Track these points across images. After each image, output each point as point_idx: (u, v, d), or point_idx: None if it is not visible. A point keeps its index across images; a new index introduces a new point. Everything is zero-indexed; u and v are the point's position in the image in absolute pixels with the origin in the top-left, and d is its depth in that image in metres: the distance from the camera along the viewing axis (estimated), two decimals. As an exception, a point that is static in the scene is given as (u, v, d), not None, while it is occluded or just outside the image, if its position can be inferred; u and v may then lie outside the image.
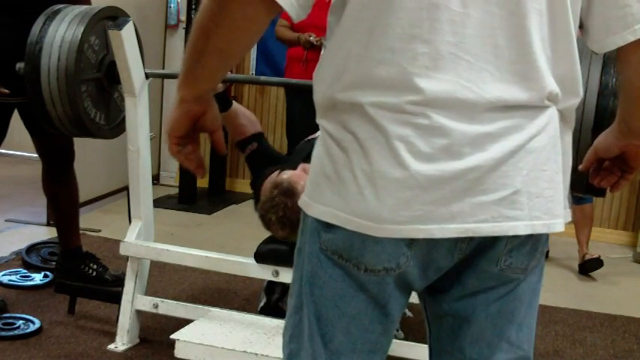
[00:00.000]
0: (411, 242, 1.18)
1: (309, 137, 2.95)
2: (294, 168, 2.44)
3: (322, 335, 1.26)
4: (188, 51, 1.20)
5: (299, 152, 2.81)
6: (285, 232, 2.43)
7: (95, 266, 3.36)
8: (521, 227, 1.18)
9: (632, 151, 1.38)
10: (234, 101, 2.75)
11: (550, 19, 1.17)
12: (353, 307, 1.23)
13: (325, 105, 1.21)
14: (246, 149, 2.77)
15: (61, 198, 3.33)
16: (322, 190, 1.20)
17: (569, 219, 1.27)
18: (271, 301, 2.97)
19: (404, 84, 1.13)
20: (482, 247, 1.22)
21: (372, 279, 1.21)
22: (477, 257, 1.23)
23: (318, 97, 1.23)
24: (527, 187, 1.17)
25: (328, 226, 1.20)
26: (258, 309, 2.98)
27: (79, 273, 3.30)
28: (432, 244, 1.19)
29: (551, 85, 1.18)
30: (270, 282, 2.92)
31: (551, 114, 1.20)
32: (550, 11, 1.17)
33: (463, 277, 1.26)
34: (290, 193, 2.36)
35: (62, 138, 3.12)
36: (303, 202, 1.25)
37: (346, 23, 1.17)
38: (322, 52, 1.30)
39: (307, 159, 2.66)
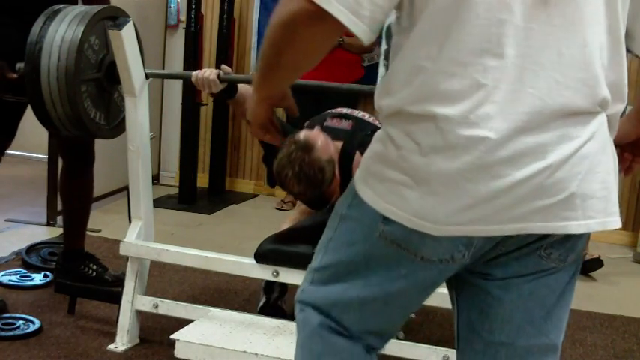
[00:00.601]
0: (468, 240, 1.30)
1: (325, 113, 2.91)
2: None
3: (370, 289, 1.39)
4: (263, 62, 1.31)
5: (314, 122, 2.78)
6: (300, 187, 2.45)
7: (95, 266, 3.36)
8: (574, 227, 1.28)
9: None
10: (239, 86, 2.75)
11: (607, 28, 1.25)
12: (404, 277, 1.36)
13: (391, 113, 1.30)
14: None
15: (75, 198, 3.34)
16: (383, 186, 1.30)
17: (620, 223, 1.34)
18: (270, 300, 2.97)
19: (477, 95, 1.22)
20: (532, 239, 1.32)
21: (427, 265, 1.34)
22: (524, 247, 1.33)
23: (384, 106, 1.31)
24: (582, 189, 1.26)
25: (387, 220, 1.30)
26: (258, 308, 2.98)
27: (79, 273, 3.30)
28: (486, 239, 1.30)
29: (605, 91, 1.26)
30: (268, 281, 2.92)
31: (602, 119, 1.28)
32: (607, 20, 1.25)
33: (507, 262, 1.36)
34: (308, 148, 2.40)
35: (82, 139, 3.13)
36: (364, 192, 1.34)
37: (415, 41, 1.25)
38: (380, 70, 1.43)
39: (322, 126, 2.62)
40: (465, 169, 1.23)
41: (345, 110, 2.90)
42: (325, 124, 2.75)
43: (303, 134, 2.48)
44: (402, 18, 1.27)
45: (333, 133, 2.65)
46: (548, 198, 1.24)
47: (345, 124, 2.75)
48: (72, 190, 3.32)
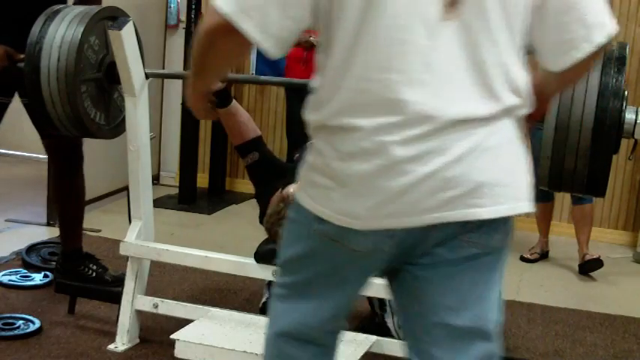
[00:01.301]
0: (390, 232, 1.45)
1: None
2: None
3: (317, 278, 1.57)
4: (193, 64, 1.52)
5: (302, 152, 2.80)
6: None
7: (95, 267, 3.36)
8: (484, 213, 1.42)
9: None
10: (234, 99, 2.74)
11: (503, 48, 1.41)
12: (341, 266, 1.54)
13: (316, 127, 1.48)
14: (246, 157, 2.77)
15: (67, 198, 3.34)
16: (315, 190, 1.48)
17: (533, 209, 1.49)
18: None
19: (384, 107, 1.38)
20: (452, 229, 1.45)
21: (359, 254, 1.50)
22: (447, 236, 1.47)
23: (311, 121, 1.49)
24: (487, 179, 1.41)
25: (320, 219, 1.47)
26: (260, 305, 2.99)
27: (79, 274, 3.30)
28: (407, 231, 1.45)
29: (508, 99, 1.42)
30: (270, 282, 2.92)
31: (506, 122, 1.44)
32: (501, 41, 1.40)
33: (434, 250, 1.49)
34: None
35: (70, 139, 3.13)
36: (302, 198, 1.52)
37: (333, 61, 1.42)
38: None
39: None
40: (376, 170, 1.40)
41: None
42: None
43: (292, 190, 2.46)
44: (322, 39, 1.44)
45: None
46: (454, 189, 1.39)
47: None
48: (64, 191, 3.32)
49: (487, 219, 1.42)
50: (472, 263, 1.50)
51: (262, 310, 2.94)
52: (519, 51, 1.45)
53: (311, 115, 1.49)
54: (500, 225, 1.47)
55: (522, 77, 1.46)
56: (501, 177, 1.43)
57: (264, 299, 3.01)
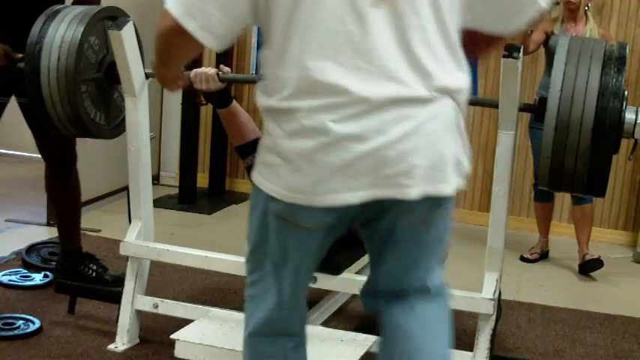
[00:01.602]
0: (335, 207, 1.57)
1: None
2: None
3: (275, 265, 1.71)
4: (155, 56, 1.71)
5: None
6: None
7: (95, 267, 3.36)
8: (414, 192, 1.55)
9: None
10: (234, 100, 2.74)
11: (435, 34, 1.54)
12: (295, 248, 1.68)
13: (266, 110, 1.61)
14: (247, 158, 2.77)
15: (63, 199, 3.33)
16: (267, 170, 1.62)
17: (463, 187, 1.65)
18: None
19: (322, 91, 1.52)
20: (389, 205, 1.60)
21: (308, 232, 1.65)
22: (387, 211, 1.64)
23: (262, 106, 1.63)
24: (421, 161, 1.54)
25: (273, 198, 1.61)
26: None
27: (79, 273, 3.30)
28: (351, 206, 1.57)
29: (441, 81, 1.55)
30: None
31: (444, 103, 1.57)
32: (433, 28, 1.53)
33: (379, 223, 1.67)
34: None
35: (64, 139, 3.13)
36: (256, 179, 1.66)
37: (273, 53, 1.57)
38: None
39: None
40: (318, 146, 1.53)
41: None
42: None
43: None
44: (264, 34, 1.60)
45: None
46: (390, 167, 1.53)
47: None
48: (59, 191, 3.32)
49: (416, 199, 1.56)
50: (418, 239, 1.69)
51: None
52: (451, 32, 1.58)
53: (260, 100, 1.62)
54: (432, 204, 1.62)
55: (454, 58, 1.59)
56: (436, 161, 1.56)
57: None
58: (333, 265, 2.55)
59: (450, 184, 1.61)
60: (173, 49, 1.65)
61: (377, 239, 1.72)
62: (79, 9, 2.78)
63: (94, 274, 3.34)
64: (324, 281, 2.53)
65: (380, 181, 1.54)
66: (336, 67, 1.50)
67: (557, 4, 4.09)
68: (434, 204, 1.62)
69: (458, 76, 1.60)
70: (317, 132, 1.52)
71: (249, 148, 2.76)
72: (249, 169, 2.80)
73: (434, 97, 1.55)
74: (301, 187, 1.57)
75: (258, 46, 5.32)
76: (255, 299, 1.80)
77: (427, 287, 1.72)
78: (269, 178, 1.62)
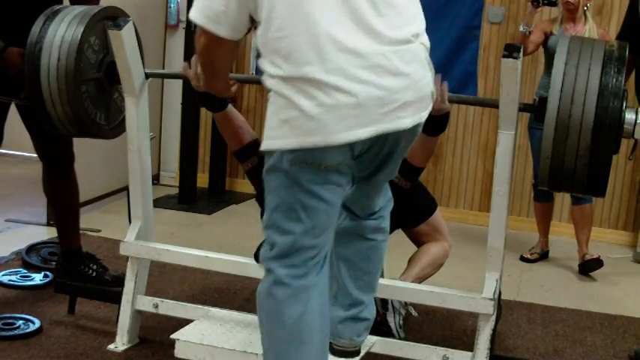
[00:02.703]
0: (350, 144, 1.90)
1: None
2: None
3: (305, 209, 1.95)
4: (203, 69, 2.27)
5: None
6: None
7: (95, 267, 3.36)
8: (407, 122, 1.94)
9: None
10: (229, 104, 2.74)
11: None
12: (321, 193, 1.95)
13: (277, 83, 1.90)
14: (246, 162, 2.77)
15: (61, 199, 3.34)
16: (282, 130, 1.89)
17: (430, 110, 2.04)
18: None
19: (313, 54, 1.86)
20: (389, 140, 1.99)
21: (330, 170, 1.93)
22: (392, 147, 2.03)
23: (270, 84, 1.92)
24: (409, 98, 1.92)
25: (292, 150, 1.89)
26: None
27: (79, 273, 3.31)
28: (361, 142, 1.92)
29: (411, 28, 1.95)
30: None
31: (417, 45, 1.97)
32: None
33: (372, 161, 2.05)
34: None
35: (61, 139, 3.13)
36: (268, 144, 1.92)
37: (265, 33, 1.92)
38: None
39: None
40: (330, 95, 1.85)
41: None
42: None
43: None
44: (258, 24, 1.94)
45: None
46: (389, 105, 1.90)
47: None
48: (58, 192, 3.33)
49: (410, 127, 1.95)
50: (399, 156, 2.11)
51: None
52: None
53: (271, 72, 1.91)
54: (418, 127, 2.03)
55: (416, 14, 1.99)
56: (418, 96, 1.95)
57: None
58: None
59: (427, 112, 2.01)
60: (215, 59, 2.07)
61: (371, 164, 2.06)
62: (79, 9, 2.78)
63: (94, 273, 3.34)
64: (324, 281, 2.53)
65: (384, 118, 1.89)
66: (320, 32, 1.86)
67: (554, 4, 4.09)
68: (414, 129, 2.01)
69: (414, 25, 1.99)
70: (327, 86, 1.84)
71: (248, 152, 2.76)
72: (249, 173, 2.80)
73: (412, 41, 1.94)
74: (320, 130, 1.85)
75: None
76: (280, 231, 1.97)
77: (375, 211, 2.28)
78: (284, 134, 1.88)
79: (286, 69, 1.87)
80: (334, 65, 1.85)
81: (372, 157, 2.03)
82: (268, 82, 1.93)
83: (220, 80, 2.24)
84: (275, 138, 1.91)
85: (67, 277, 3.25)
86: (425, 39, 2.01)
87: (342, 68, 1.85)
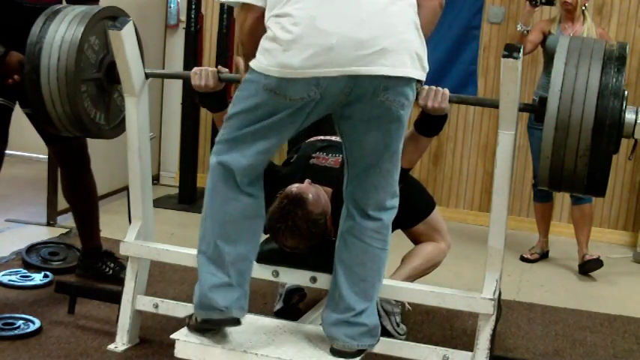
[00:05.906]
0: (317, 80, 2.07)
1: (311, 139, 2.95)
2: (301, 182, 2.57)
3: (257, 125, 2.20)
4: (244, 52, 2.38)
5: (300, 159, 2.81)
6: (294, 241, 2.47)
7: (112, 265, 3.46)
8: (388, 70, 2.05)
9: None
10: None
11: None
12: (280, 117, 2.16)
13: (268, 19, 2.14)
14: None
15: (81, 200, 3.43)
16: (264, 55, 2.12)
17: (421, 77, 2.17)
18: (289, 306, 2.99)
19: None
20: (366, 86, 2.08)
21: (293, 103, 2.12)
22: (365, 94, 2.11)
23: (266, 18, 2.17)
24: (391, 45, 2.05)
25: (267, 75, 2.12)
26: (275, 310, 3.04)
27: (97, 270, 3.42)
28: (331, 80, 2.07)
29: None
30: (288, 292, 2.95)
31: (403, 4, 2.13)
32: None
33: (361, 107, 2.14)
34: (299, 202, 2.42)
35: (74, 141, 3.15)
36: (253, 62, 2.17)
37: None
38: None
39: (309, 172, 2.68)
40: (307, 32, 2.04)
41: (324, 138, 2.92)
42: (311, 161, 2.78)
43: (295, 187, 2.50)
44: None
45: (322, 175, 2.67)
46: (366, 49, 2.03)
47: (332, 161, 2.75)
48: (77, 194, 3.40)
49: (391, 76, 2.05)
50: (391, 123, 2.16)
51: (277, 314, 2.95)
52: None
53: (268, 15, 2.15)
54: (404, 86, 2.10)
55: None
56: (402, 47, 2.07)
57: (278, 307, 3.03)
58: (333, 265, 2.54)
59: (409, 68, 2.09)
60: (257, 32, 2.20)
61: (359, 120, 2.16)
62: (79, 9, 2.78)
63: (111, 271, 3.43)
64: (324, 281, 2.53)
65: (358, 60, 2.03)
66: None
67: (552, 3, 4.09)
68: (402, 88, 2.09)
69: None
70: (305, 22, 2.04)
71: None
72: None
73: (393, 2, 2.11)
74: (291, 63, 2.06)
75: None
76: (230, 143, 2.32)
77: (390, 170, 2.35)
78: (265, 59, 2.11)
79: (279, 8, 2.11)
80: (320, 12, 2.06)
81: (358, 113, 2.16)
82: (267, 22, 2.17)
83: (251, 53, 2.31)
84: (257, 59, 2.16)
85: (86, 273, 3.42)
86: (413, 1, 2.18)
87: (324, 14, 2.05)
